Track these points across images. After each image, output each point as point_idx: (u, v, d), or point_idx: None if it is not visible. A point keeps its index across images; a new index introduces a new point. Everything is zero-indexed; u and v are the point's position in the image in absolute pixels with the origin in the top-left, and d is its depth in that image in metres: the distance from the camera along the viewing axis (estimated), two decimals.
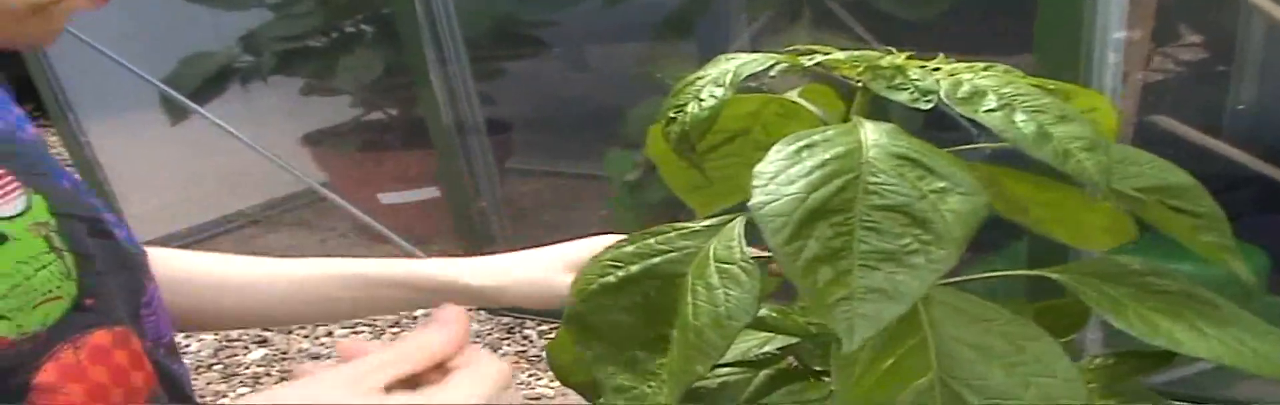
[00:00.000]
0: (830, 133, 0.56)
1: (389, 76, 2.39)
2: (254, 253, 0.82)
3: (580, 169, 2.82)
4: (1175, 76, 1.99)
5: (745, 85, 0.65)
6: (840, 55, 0.61)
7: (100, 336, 0.58)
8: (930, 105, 0.57)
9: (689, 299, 0.62)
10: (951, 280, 0.69)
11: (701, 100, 0.60)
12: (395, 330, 2.30)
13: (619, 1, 2.16)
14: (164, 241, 2.56)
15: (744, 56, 0.63)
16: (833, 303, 0.50)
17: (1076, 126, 0.55)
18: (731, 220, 0.62)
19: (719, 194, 0.73)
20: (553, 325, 2.29)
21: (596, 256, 0.65)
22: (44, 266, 0.55)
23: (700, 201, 0.74)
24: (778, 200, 0.52)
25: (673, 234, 0.64)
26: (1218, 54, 1.98)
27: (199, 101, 2.44)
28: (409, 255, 2.35)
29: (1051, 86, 0.59)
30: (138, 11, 2.32)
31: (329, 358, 2.18)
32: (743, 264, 0.61)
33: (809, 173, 0.53)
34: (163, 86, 2.41)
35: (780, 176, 0.53)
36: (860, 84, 0.60)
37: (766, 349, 0.73)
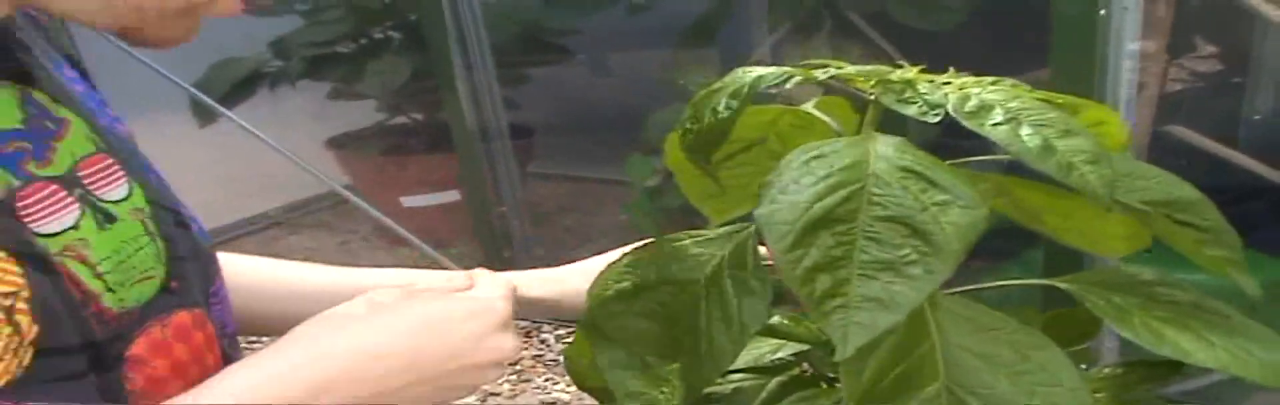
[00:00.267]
0: (840, 145, 0.57)
1: (415, 81, 2.41)
2: (276, 254, 0.84)
3: (601, 174, 2.83)
4: (1191, 87, 1.99)
5: (768, 94, 0.67)
6: (852, 69, 0.62)
7: (183, 317, 0.63)
8: (939, 119, 0.58)
9: (702, 306, 0.63)
10: (962, 289, 0.71)
11: (717, 111, 0.62)
12: None
13: (642, 9, 2.18)
14: None
15: (760, 69, 0.65)
16: (830, 310, 0.51)
17: (1081, 140, 0.56)
18: (745, 229, 0.64)
19: (733, 202, 0.74)
20: (570, 330, 2.31)
21: (612, 263, 0.66)
22: (141, 248, 0.60)
23: (715, 209, 0.76)
24: (783, 209, 0.53)
25: (687, 242, 0.65)
26: (1233, 65, 1.98)
27: (227, 105, 2.47)
28: (429, 258, 2.37)
29: (1059, 101, 0.61)
30: None
31: None
32: (755, 272, 0.62)
33: (816, 183, 0.54)
34: (193, 90, 2.44)
35: (789, 186, 0.55)
36: (872, 97, 0.62)
37: (779, 355, 0.74)
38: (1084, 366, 0.74)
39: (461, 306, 0.66)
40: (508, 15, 2.24)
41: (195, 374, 0.62)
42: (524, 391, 2.05)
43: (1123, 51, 1.25)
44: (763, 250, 0.62)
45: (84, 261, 0.56)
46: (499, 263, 2.29)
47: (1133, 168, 0.63)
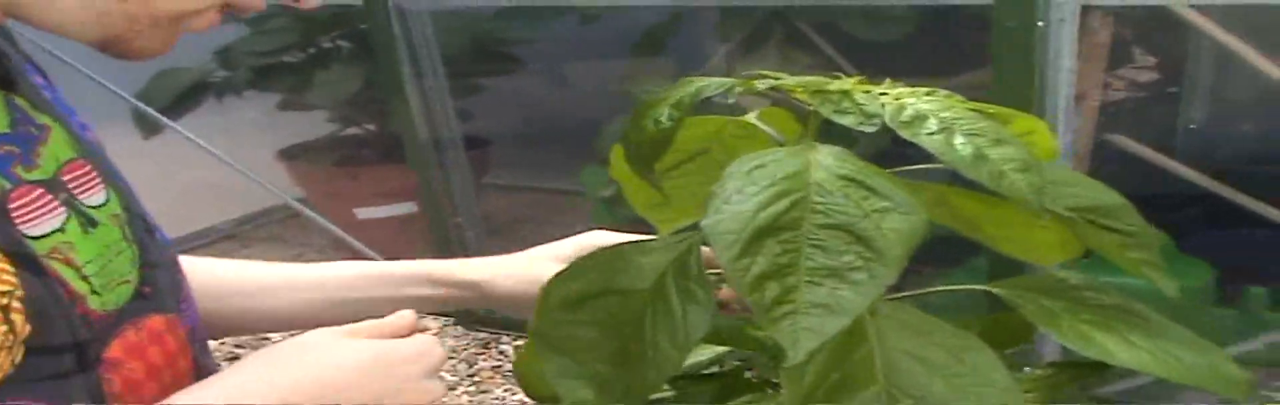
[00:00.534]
0: (781, 154, 0.59)
1: (366, 91, 2.41)
2: None
3: (558, 184, 2.84)
4: (1131, 97, 2.04)
5: (722, 104, 0.68)
6: (791, 80, 0.64)
7: (156, 321, 0.64)
8: (875, 129, 0.60)
9: (647, 314, 0.64)
10: (905, 295, 0.73)
11: (658, 122, 0.63)
12: None
13: (595, 19, 2.19)
14: None
15: (702, 80, 0.66)
16: (779, 317, 0.53)
17: (1011, 149, 0.58)
18: (688, 238, 0.65)
19: (679, 212, 0.76)
20: None
21: (558, 274, 0.67)
22: (121, 252, 0.62)
23: (661, 219, 0.77)
24: (729, 218, 0.55)
25: (631, 251, 0.66)
26: (1170, 76, 2.03)
27: (172, 116, 2.45)
28: None
29: (990, 110, 0.63)
30: None
31: None
32: (699, 281, 0.64)
33: (759, 192, 0.56)
34: (134, 101, 2.42)
35: (733, 196, 0.56)
36: (811, 108, 0.63)
37: (725, 361, 0.75)
38: (1028, 368, 0.76)
39: (399, 349, 0.68)
40: (459, 25, 2.24)
41: (169, 378, 0.64)
42: (483, 402, 2.05)
43: (1061, 63, 1.28)
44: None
45: (70, 264, 0.58)
46: None
47: (1060, 175, 0.65)
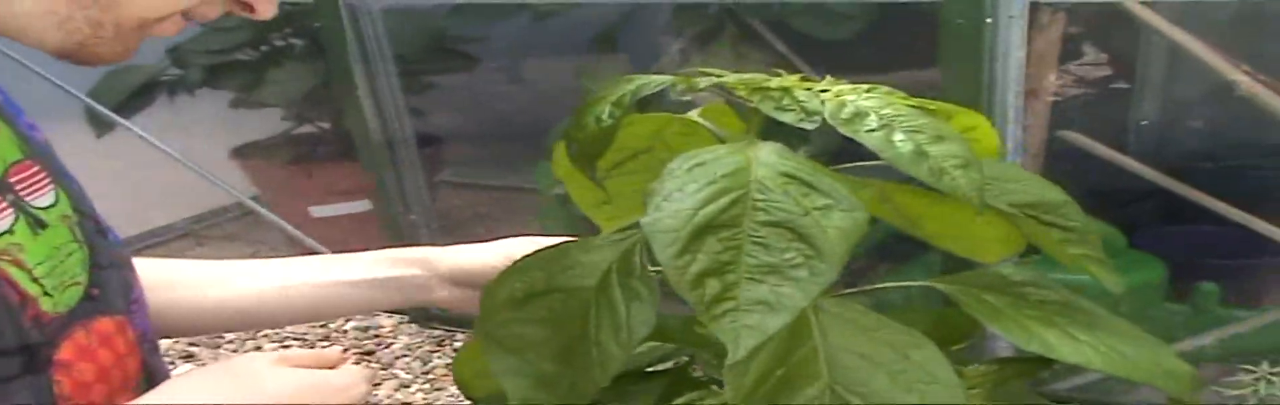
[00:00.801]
0: (722, 152, 0.59)
1: (319, 90, 2.38)
2: None
3: (511, 182, 2.83)
4: (1084, 94, 2.06)
5: (675, 101, 0.68)
6: (733, 77, 0.63)
7: (105, 323, 0.64)
8: (815, 125, 0.60)
9: (592, 312, 0.64)
10: (850, 291, 0.72)
11: (599, 120, 0.63)
12: (324, 343, 2.29)
13: (548, 17, 2.18)
14: None
15: (643, 78, 0.66)
16: (720, 314, 0.52)
17: (952, 145, 0.58)
18: (632, 236, 0.65)
19: (623, 210, 0.75)
20: None
21: (503, 272, 0.67)
22: (71, 254, 0.62)
23: (605, 217, 0.77)
24: (669, 216, 0.55)
25: (575, 249, 0.66)
26: (1122, 72, 2.05)
27: (125, 114, 2.42)
28: None
29: (932, 106, 0.63)
30: None
31: None
32: (642, 279, 0.63)
33: (700, 190, 0.56)
34: (86, 99, 2.38)
35: (673, 194, 0.56)
36: (753, 105, 0.63)
37: (671, 358, 0.75)
38: (975, 364, 0.76)
39: (326, 380, 0.68)
40: (412, 22, 2.22)
41: (118, 379, 0.64)
42: (437, 400, 2.04)
43: (1010, 60, 1.29)
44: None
45: (20, 266, 0.58)
46: None
47: (1003, 171, 0.65)
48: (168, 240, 2.95)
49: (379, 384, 2.09)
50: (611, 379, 0.63)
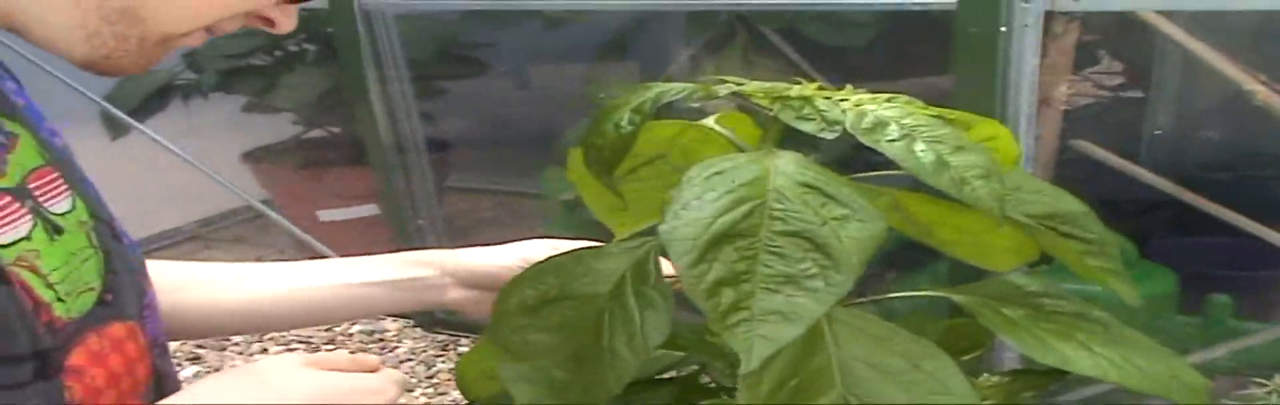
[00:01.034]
0: (741, 160, 0.58)
1: (331, 94, 2.39)
2: None
3: (520, 187, 2.83)
4: (1097, 102, 2.05)
5: (685, 108, 0.67)
6: (752, 86, 0.63)
7: (117, 328, 0.64)
8: (836, 135, 0.59)
9: (605, 320, 0.64)
10: (865, 300, 0.72)
11: (619, 127, 0.62)
12: (330, 347, 2.29)
13: (560, 24, 2.18)
14: None
15: (663, 85, 0.66)
16: (734, 323, 0.52)
17: (973, 156, 0.58)
18: (646, 243, 0.65)
19: (637, 216, 0.75)
20: None
21: (516, 279, 0.67)
22: (87, 260, 0.62)
23: (619, 223, 0.77)
24: (686, 225, 0.54)
25: (589, 257, 0.66)
26: (1136, 81, 2.04)
27: (139, 118, 2.43)
28: None
29: (951, 116, 0.62)
30: None
31: None
32: (657, 286, 0.63)
33: (717, 199, 0.55)
34: (102, 103, 2.39)
35: (691, 202, 0.56)
36: (773, 113, 0.63)
37: (681, 366, 0.75)
38: (986, 373, 0.75)
39: (357, 385, 0.68)
40: (424, 28, 2.23)
41: (128, 385, 0.64)
42: (441, 404, 2.03)
43: (1024, 68, 1.28)
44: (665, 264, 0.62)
45: (36, 272, 0.58)
46: None
47: (1022, 182, 0.65)
48: (177, 242, 2.95)
49: (411, 390, 2.09)
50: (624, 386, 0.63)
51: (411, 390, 2.10)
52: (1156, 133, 1.98)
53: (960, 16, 1.28)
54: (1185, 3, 1.37)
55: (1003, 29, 1.25)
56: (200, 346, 2.29)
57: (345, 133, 2.63)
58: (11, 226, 0.57)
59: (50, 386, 0.58)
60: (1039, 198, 0.64)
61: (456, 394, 2.07)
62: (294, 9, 0.65)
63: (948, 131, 0.59)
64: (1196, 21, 1.46)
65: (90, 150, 0.88)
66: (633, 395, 0.73)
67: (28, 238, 0.58)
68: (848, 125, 0.59)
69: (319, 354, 0.69)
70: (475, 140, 2.80)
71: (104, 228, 0.66)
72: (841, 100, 0.62)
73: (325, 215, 2.61)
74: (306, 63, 2.46)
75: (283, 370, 0.66)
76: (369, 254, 0.86)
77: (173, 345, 2.05)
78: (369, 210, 2.56)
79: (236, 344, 2.32)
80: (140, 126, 2.41)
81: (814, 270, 0.53)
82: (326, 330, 2.37)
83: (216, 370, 2.22)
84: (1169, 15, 1.39)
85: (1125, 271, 0.63)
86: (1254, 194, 1.61)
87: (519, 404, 0.65)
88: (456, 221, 2.72)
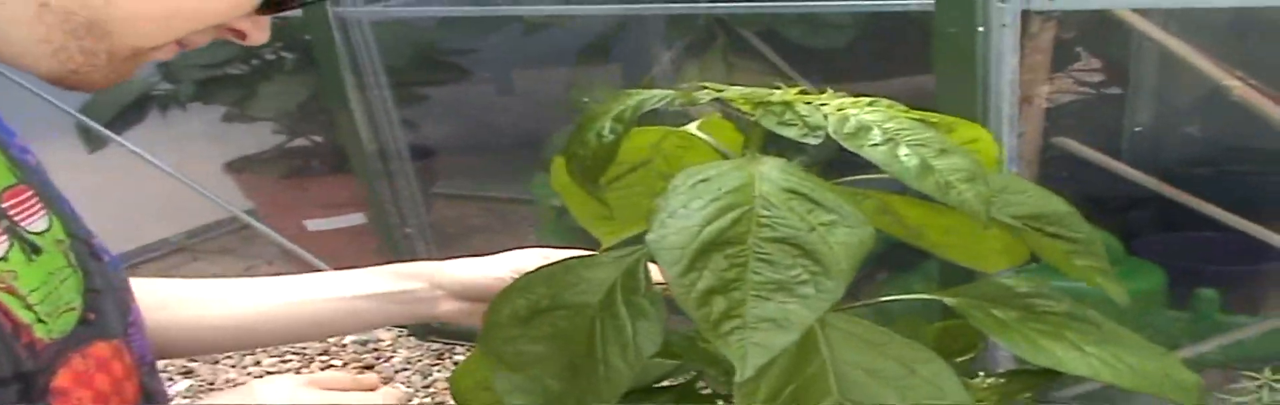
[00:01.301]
0: (726, 167, 0.58)
1: (311, 103, 2.38)
2: None
3: (508, 193, 2.83)
4: (1079, 100, 2.06)
5: (667, 112, 0.67)
6: (734, 91, 0.63)
7: (101, 348, 0.63)
8: (819, 140, 0.59)
9: (597, 330, 0.63)
10: (858, 304, 0.72)
11: (601, 136, 0.62)
12: (324, 358, 2.28)
13: (540, 29, 2.18)
14: None
15: (644, 93, 0.65)
16: (727, 332, 0.52)
17: (957, 159, 0.58)
18: (636, 252, 0.64)
19: (623, 224, 0.75)
20: None
21: (506, 289, 0.66)
22: (65, 279, 0.61)
23: (605, 231, 0.76)
24: (674, 233, 0.54)
25: (579, 266, 0.66)
26: (1115, 78, 2.05)
27: (117, 130, 2.41)
28: None
29: (933, 119, 0.62)
30: None
31: None
32: (648, 295, 0.63)
33: (704, 206, 0.55)
34: (78, 115, 2.38)
35: (678, 210, 0.56)
36: (754, 119, 0.63)
37: (678, 373, 0.75)
38: (982, 373, 0.76)
39: (353, 403, 0.68)
40: (401, 35, 2.22)
41: (116, 404, 0.63)
42: None
43: (1003, 67, 1.28)
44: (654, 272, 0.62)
45: (14, 293, 0.57)
46: None
47: (1006, 183, 0.65)
48: (163, 255, 2.94)
49: (409, 401, 2.08)
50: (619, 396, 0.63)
51: (409, 400, 2.09)
52: (1137, 129, 1.99)
53: (938, 17, 1.29)
54: (1160, 0, 1.38)
55: (981, 29, 1.26)
56: (192, 360, 2.28)
57: (328, 141, 2.62)
58: None
59: None
60: (1024, 199, 0.64)
61: (453, 403, 2.07)
62: (266, 21, 0.63)
63: (931, 135, 0.59)
64: (1171, 18, 1.47)
65: (67, 163, 0.88)
66: (627, 403, 0.72)
67: (4, 258, 0.57)
68: (830, 130, 0.59)
69: (318, 374, 0.68)
70: (461, 146, 2.80)
71: (82, 246, 0.65)
72: (823, 104, 0.62)
73: (312, 225, 2.60)
74: (284, 71, 2.44)
75: (281, 392, 0.65)
76: (358, 263, 0.86)
77: (164, 360, 2.03)
78: (356, 219, 2.55)
79: (229, 357, 2.31)
80: (118, 138, 2.39)
81: (804, 276, 0.53)
82: (321, 341, 2.36)
83: (210, 384, 2.21)
84: (1145, 13, 1.40)
85: (1112, 270, 0.63)
86: (1235, 189, 1.62)
87: None
88: (445, 229, 2.71)
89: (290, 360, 2.29)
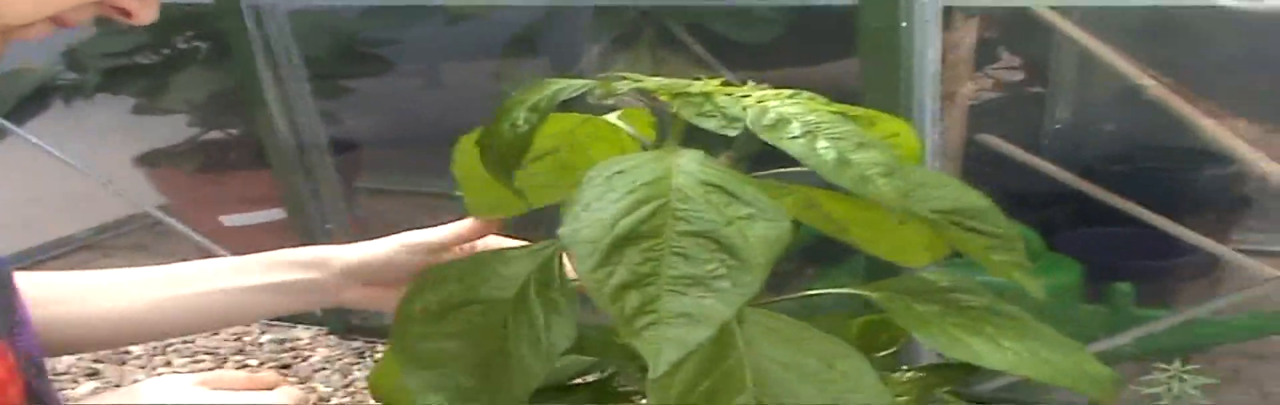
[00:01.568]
0: (643, 159, 0.57)
1: (226, 94, 2.32)
2: None
3: (433, 188, 2.79)
4: (1001, 97, 2.09)
5: (595, 105, 0.66)
6: (652, 82, 0.62)
7: None
8: (737, 132, 0.58)
9: (510, 325, 0.62)
10: (779, 298, 0.71)
11: (515, 125, 0.61)
12: (238, 357, 2.23)
13: (462, 19, 2.15)
14: None
15: (560, 82, 0.64)
16: (641, 327, 0.51)
17: (876, 153, 0.57)
18: (550, 246, 0.63)
19: (511, 212, 0.73)
20: None
21: (416, 284, 0.65)
22: None
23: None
24: (587, 227, 0.53)
25: (493, 261, 0.64)
26: (1035, 76, 2.08)
27: (17, 121, 2.33)
28: None
29: (855, 113, 0.62)
30: None
31: None
32: (561, 290, 0.62)
33: (619, 199, 0.54)
34: None
35: (592, 203, 0.54)
36: (674, 110, 0.61)
37: (592, 370, 0.73)
38: (904, 368, 0.75)
39: (246, 402, 0.65)
40: (320, 25, 2.17)
41: None
42: None
43: (926, 62, 1.29)
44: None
45: None
46: None
47: (925, 177, 0.64)
48: (71, 251, 2.85)
49: (326, 399, 2.03)
50: (532, 393, 0.62)
51: (327, 400, 2.05)
52: (1057, 127, 2.02)
53: (863, 12, 1.29)
54: None
55: (903, 24, 1.26)
56: (98, 361, 2.21)
57: (244, 134, 2.56)
58: None
59: None
60: (944, 193, 0.64)
61: (373, 402, 2.03)
62: None
63: (850, 128, 0.59)
64: (1089, 17, 1.48)
65: None
66: (543, 402, 0.71)
67: None
68: (748, 122, 0.58)
69: (211, 373, 0.66)
70: (385, 140, 2.75)
71: None
72: (744, 96, 0.61)
73: (229, 221, 2.54)
74: (197, 61, 2.37)
75: (169, 391, 0.62)
76: None
77: (68, 360, 1.97)
78: (275, 214, 2.49)
79: (138, 357, 2.24)
80: (20, 131, 2.31)
81: (721, 271, 0.52)
82: (235, 340, 2.30)
83: (116, 386, 2.14)
84: (1065, 12, 1.41)
85: (1030, 265, 0.63)
86: (1151, 185, 1.65)
87: None
88: (368, 224, 2.67)
89: (203, 361, 2.23)
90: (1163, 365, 1.46)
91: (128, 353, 2.25)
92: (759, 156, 0.64)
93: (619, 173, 0.55)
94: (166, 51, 2.41)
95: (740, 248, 0.52)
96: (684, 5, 1.81)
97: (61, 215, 2.80)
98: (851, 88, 1.36)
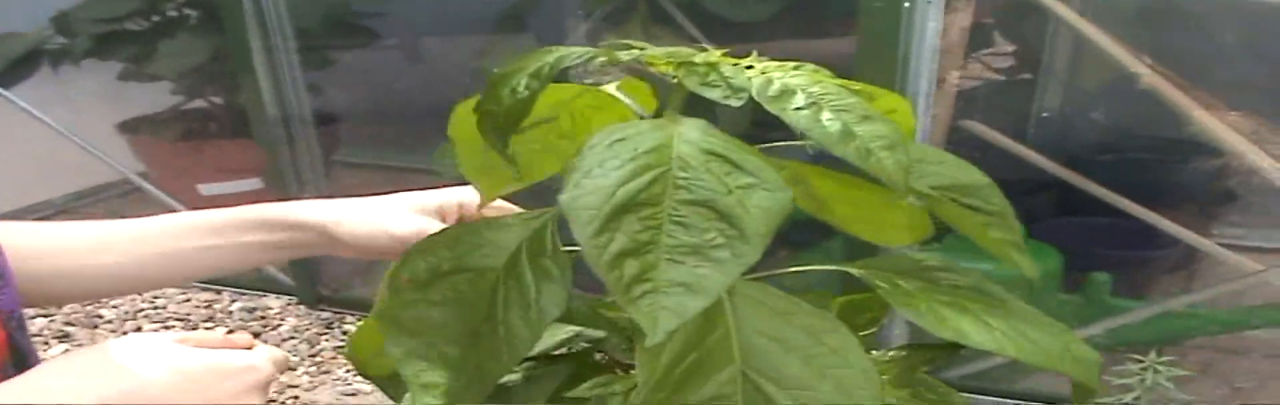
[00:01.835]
0: (644, 127, 0.56)
1: (213, 63, 2.30)
2: None
3: (411, 163, 2.77)
4: (989, 83, 2.08)
5: (586, 82, 0.65)
6: (657, 51, 0.61)
7: None
8: (742, 102, 0.58)
9: (500, 293, 0.61)
10: (760, 275, 0.71)
11: (515, 92, 0.60)
12: (209, 324, 2.22)
13: None
14: None
15: (563, 49, 0.63)
16: (638, 296, 0.50)
17: (879, 126, 0.57)
18: (544, 214, 0.62)
19: (506, 179, 0.72)
20: None
21: (408, 251, 0.64)
22: None
23: (487, 185, 0.74)
24: (588, 194, 0.52)
25: (485, 228, 0.63)
26: (1027, 63, 2.08)
27: (4, 85, 2.32)
28: None
29: (856, 87, 0.61)
30: None
31: None
32: (555, 258, 0.61)
33: (620, 166, 0.53)
34: None
35: (593, 170, 0.54)
36: (676, 80, 0.61)
37: (576, 342, 0.73)
38: (883, 349, 0.75)
39: (226, 362, 0.65)
40: None
41: None
42: (324, 383, 1.99)
43: (924, 44, 1.29)
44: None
45: None
46: None
47: (924, 154, 0.64)
48: (48, 216, 2.83)
49: (293, 368, 2.03)
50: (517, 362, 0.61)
51: (294, 369, 2.04)
52: (1045, 115, 2.02)
53: None
54: None
55: (907, 4, 1.26)
56: (69, 324, 2.20)
57: (228, 103, 2.54)
58: None
59: None
60: (941, 169, 0.64)
61: (340, 373, 2.03)
62: None
63: (854, 101, 0.58)
64: (1088, 4, 1.48)
65: None
66: (528, 371, 0.71)
67: None
68: (753, 92, 0.58)
69: (189, 332, 0.65)
70: (365, 114, 2.73)
71: None
72: (747, 67, 0.61)
73: (207, 189, 2.52)
74: (187, 29, 2.35)
75: (146, 347, 0.62)
76: None
77: (40, 323, 1.96)
78: (253, 184, 2.48)
79: (109, 322, 2.23)
80: (7, 94, 2.30)
81: (719, 240, 0.52)
82: (206, 307, 2.29)
83: None
84: None
85: (1025, 245, 0.63)
86: (1137, 175, 1.66)
87: (411, 382, 0.62)
88: (344, 196, 2.65)
89: (174, 326, 2.22)
90: (1136, 356, 1.47)
91: (99, 317, 2.24)
92: (744, 135, 0.63)
93: (620, 140, 0.55)
94: (156, 19, 2.39)
95: (740, 217, 0.52)
96: None
97: (41, 180, 2.78)
98: (843, 67, 1.35)
